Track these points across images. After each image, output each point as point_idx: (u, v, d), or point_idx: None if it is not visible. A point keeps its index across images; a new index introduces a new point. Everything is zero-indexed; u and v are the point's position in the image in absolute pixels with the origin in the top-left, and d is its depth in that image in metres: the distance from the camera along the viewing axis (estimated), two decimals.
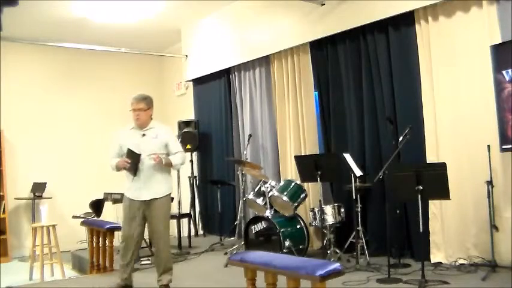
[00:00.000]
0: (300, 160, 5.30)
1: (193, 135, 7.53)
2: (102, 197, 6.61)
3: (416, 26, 4.96)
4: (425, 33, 4.90)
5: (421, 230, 4.19)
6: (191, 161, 7.56)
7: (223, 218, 7.06)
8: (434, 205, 4.80)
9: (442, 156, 4.67)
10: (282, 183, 5.62)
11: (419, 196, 4.00)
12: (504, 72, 4.17)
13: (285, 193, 5.37)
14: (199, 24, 7.72)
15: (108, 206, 6.72)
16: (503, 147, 4.22)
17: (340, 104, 5.77)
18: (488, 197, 4.25)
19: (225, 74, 7.45)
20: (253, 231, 5.41)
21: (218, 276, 4.92)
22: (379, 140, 5.34)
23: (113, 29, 7.56)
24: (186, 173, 7.41)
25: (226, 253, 5.80)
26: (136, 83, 8.28)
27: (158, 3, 6.73)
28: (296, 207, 5.43)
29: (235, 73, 7.29)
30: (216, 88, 7.68)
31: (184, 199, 7.30)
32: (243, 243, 5.57)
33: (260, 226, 5.36)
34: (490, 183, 4.26)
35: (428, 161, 4.78)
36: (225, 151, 7.48)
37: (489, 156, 4.29)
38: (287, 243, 5.06)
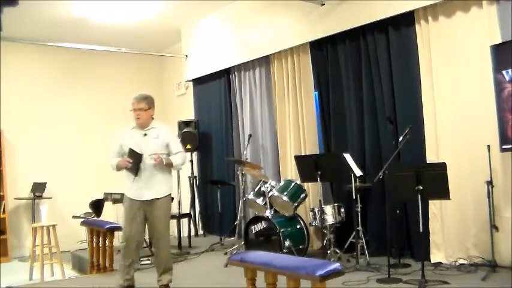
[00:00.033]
0: (300, 160, 5.30)
1: (193, 135, 7.53)
2: (102, 197, 6.60)
3: (416, 26, 4.96)
4: (425, 33, 4.90)
5: (421, 230, 4.19)
6: (191, 161, 7.56)
7: (223, 218, 7.06)
8: (434, 205, 4.80)
9: (442, 156, 4.67)
10: (282, 183, 5.62)
11: (419, 196, 4.00)
12: (504, 72, 4.17)
13: (285, 193, 5.37)
14: (199, 24, 7.72)
15: (108, 206, 6.72)
16: (503, 147, 4.22)
17: (340, 104, 5.77)
18: (488, 197, 4.25)
19: (225, 74, 7.45)
20: (253, 231, 5.41)
21: (218, 276, 4.92)
22: (379, 140, 5.34)
23: (113, 29, 7.55)
24: (186, 173, 7.41)
25: (226, 253, 5.81)
26: (136, 83, 8.28)
27: (158, 3, 6.73)
28: (296, 207, 5.43)
29: (235, 73, 7.29)
30: (216, 88, 7.68)
31: (184, 199, 7.31)
32: (243, 243, 5.57)
33: (260, 226, 5.36)
34: (490, 183, 4.26)
35: (428, 161, 4.78)
36: (225, 151, 7.48)
37: (489, 156, 4.29)
38: (287, 243, 5.06)
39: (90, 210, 6.85)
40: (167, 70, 9.16)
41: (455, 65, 4.69)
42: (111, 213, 6.65)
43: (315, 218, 5.22)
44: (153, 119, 4.33)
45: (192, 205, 7.59)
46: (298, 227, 5.39)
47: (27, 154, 7.90)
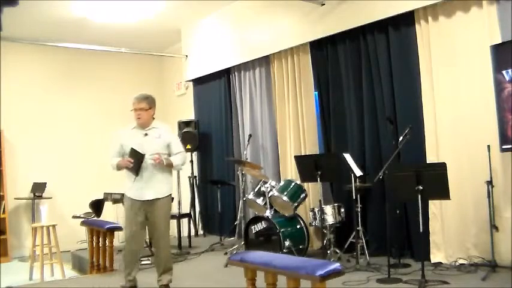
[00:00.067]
0: (300, 160, 5.30)
1: (193, 135, 7.53)
2: (102, 197, 6.60)
3: (416, 26, 4.96)
4: (425, 33, 4.90)
5: (421, 230, 4.19)
6: (191, 161, 7.56)
7: (223, 218, 7.06)
8: (434, 205, 4.80)
9: (442, 156, 4.67)
10: (282, 183, 5.62)
11: (419, 196, 4.00)
12: (504, 72, 4.17)
13: (285, 193, 5.37)
14: (199, 24, 7.72)
15: (108, 206, 6.72)
16: (503, 147, 4.22)
17: (340, 104, 5.77)
18: (488, 197, 4.25)
19: (225, 74, 7.45)
20: (253, 231, 5.41)
21: (218, 276, 4.92)
22: (379, 140, 5.34)
23: (113, 29, 7.55)
24: (186, 173, 7.41)
25: (226, 253, 5.80)
26: (136, 83, 8.27)
27: (158, 3, 6.73)
28: (296, 207, 5.43)
29: (235, 73, 7.29)
30: (216, 88, 7.68)
31: (184, 199, 7.31)
32: (243, 243, 5.57)
33: (260, 226, 5.36)
34: (490, 183, 4.26)
35: (428, 161, 4.78)
36: (225, 151, 7.48)
37: (489, 156, 4.29)
38: (287, 243, 5.06)
39: (90, 210, 6.85)
40: (167, 70, 9.16)
41: (455, 65, 4.69)
42: (111, 213, 6.66)
43: (315, 218, 5.22)
44: (153, 119, 4.33)
45: (192, 205, 7.59)
46: (298, 227, 5.39)
47: (27, 154, 7.90)
